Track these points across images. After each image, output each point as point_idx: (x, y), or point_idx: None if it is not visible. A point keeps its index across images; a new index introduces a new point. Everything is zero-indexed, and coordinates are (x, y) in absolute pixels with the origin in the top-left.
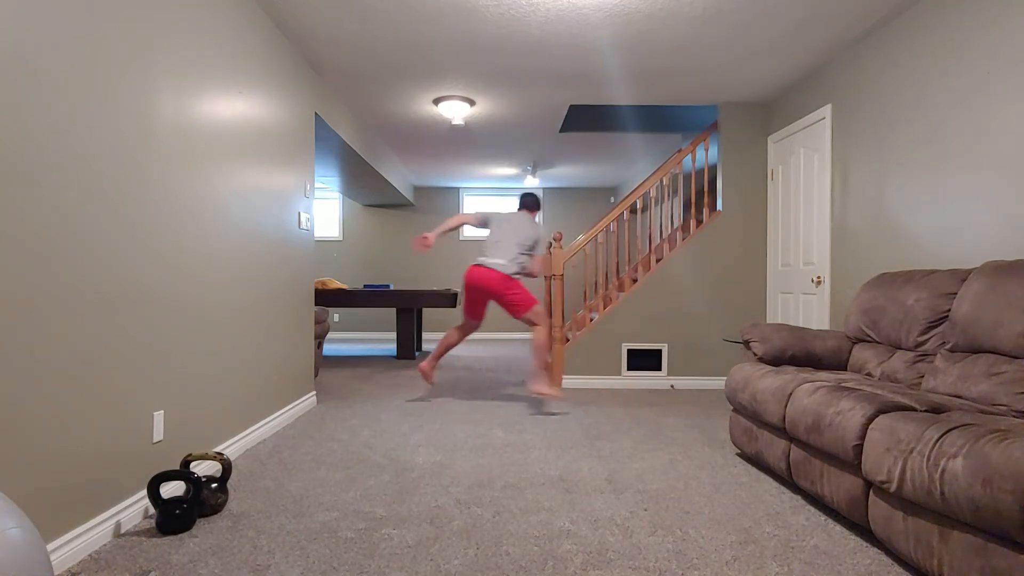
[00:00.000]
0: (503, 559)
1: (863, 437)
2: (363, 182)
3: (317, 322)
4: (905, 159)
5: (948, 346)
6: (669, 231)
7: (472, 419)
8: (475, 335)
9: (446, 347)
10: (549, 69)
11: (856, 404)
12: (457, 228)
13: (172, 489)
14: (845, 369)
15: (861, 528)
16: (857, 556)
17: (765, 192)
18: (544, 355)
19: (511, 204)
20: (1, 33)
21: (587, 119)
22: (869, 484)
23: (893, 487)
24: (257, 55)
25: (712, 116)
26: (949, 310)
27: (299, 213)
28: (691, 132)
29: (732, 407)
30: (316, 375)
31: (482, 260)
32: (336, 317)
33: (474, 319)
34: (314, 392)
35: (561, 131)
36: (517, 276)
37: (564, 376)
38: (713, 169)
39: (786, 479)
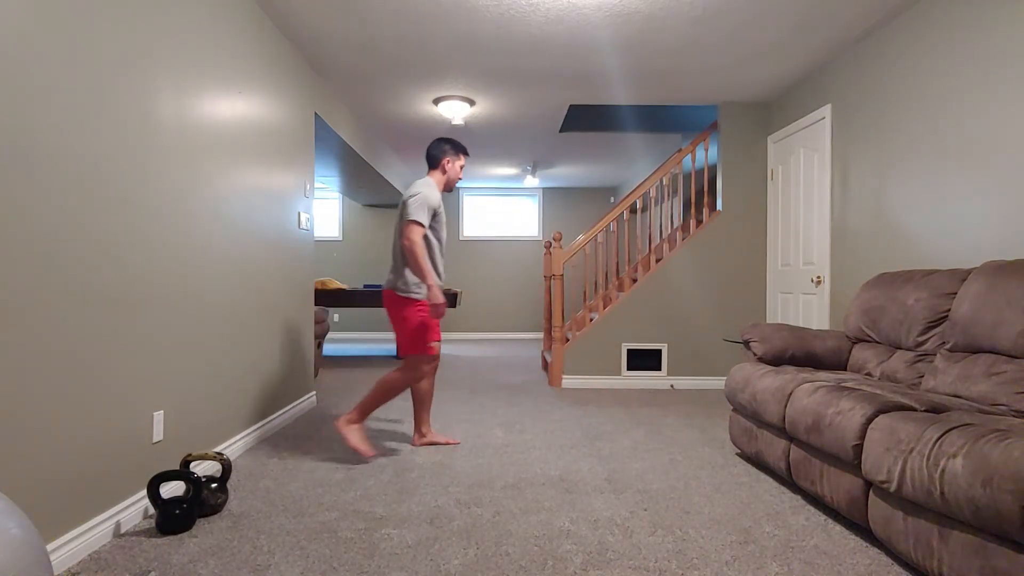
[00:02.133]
0: (503, 559)
1: (863, 437)
2: (363, 182)
3: (317, 322)
4: (905, 159)
5: (948, 346)
6: (669, 231)
7: (472, 419)
8: (474, 335)
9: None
10: (549, 69)
11: (856, 404)
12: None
13: (172, 489)
14: (845, 369)
15: (861, 528)
16: (857, 556)
17: (765, 192)
18: (379, 399)
19: (511, 204)
20: (3, 34)
21: (587, 119)
22: (869, 484)
23: (893, 487)
24: (257, 55)
25: (712, 116)
26: (949, 310)
27: (299, 213)
28: (691, 132)
29: (732, 407)
30: (316, 375)
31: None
32: (336, 317)
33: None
34: (314, 392)
35: (561, 131)
36: (407, 295)
37: (564, 376)
38: (713, 169)
39: (786, 479)
